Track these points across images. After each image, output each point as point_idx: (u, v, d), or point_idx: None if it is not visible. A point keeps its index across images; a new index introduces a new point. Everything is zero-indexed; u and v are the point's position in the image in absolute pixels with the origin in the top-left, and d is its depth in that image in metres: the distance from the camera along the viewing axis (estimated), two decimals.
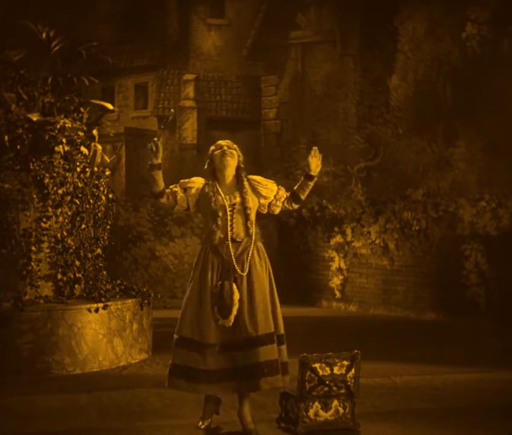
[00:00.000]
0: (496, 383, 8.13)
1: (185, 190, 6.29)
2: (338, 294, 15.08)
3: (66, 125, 9.11)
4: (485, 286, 12.69)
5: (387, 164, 18.73)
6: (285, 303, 15.94)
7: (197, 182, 6.31)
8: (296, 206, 6.41)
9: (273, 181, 6.41)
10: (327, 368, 6.11)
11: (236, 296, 5.99)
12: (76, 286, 9.18)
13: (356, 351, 6.21)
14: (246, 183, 6.29)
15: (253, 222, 6.19)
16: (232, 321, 5.96)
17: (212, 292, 6.02)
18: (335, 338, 11.14)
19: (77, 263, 9.20)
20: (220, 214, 6.11)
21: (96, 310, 8.71)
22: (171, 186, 6.32)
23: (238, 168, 6.34)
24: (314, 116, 20.34)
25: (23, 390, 7.72)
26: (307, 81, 20.86)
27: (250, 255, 6.10)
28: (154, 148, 6.21)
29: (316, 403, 6.13)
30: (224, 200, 6.16)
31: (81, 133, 9.32)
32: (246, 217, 6.15)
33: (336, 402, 6.17)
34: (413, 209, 13.98)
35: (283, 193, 6.35)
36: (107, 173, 9.75)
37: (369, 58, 19.34)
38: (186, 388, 6.08)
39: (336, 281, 15.07)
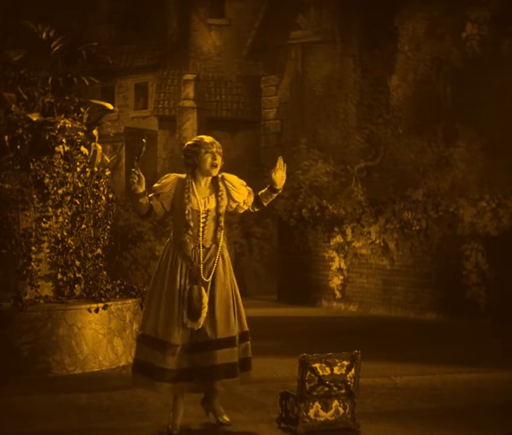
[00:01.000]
0: (496, 383, 8.13)
1: (158, 195, 6.26)
2: (338, 294, 15.09)
3: (66, 125, 9.10)
4: (485, 286, 12.69)
5: (388, 164, 18.75)
6: (285, 303, 16.01)
7: (169, 181, 6.27)
8: (257, 210, 6.53)
9: (244, 184, 6.40)
10: (327, 368, 6.11)
11: (205, 300, 6.09)
12: (76, 286, 9.18)
13: (356, 351, 6.21)
14: (222, 186, 6.28)
15: (223, 228, 6.27)
16: (201, 323, 6.07)
17: (180, 295, 6.11)
18: (335, 338, 11.14)
19: (77, 263, 9.20)
20: (192, 224, 6.15)
21: (97, 310, 8.72)
22: (149, 198, 6.29)
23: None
24: (314, 116, 20.36)
25: (23, 390, 7.72)
26: (307, 81, 20.88)
27: (216, 261, 6.19)
28: (136, 179, 6.16)
29: (316, 404, 6.13)
30: (199, 204, 6.17)
31: (81, 133, 9.32)
32: (217, 224, 6.22)
33: (336, 402, 6.17)
34: (413, 209, 13.99)
35: (251, 198, 6.41)
36: (107, 173, 9.74)
37: (369, 58, 19.36)
38: (147, 385, 6.21)
39: (336, 281, 15.08)
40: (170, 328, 6.08)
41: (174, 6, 22.62)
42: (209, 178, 6.26)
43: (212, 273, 6.17)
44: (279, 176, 6.30)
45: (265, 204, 6.47)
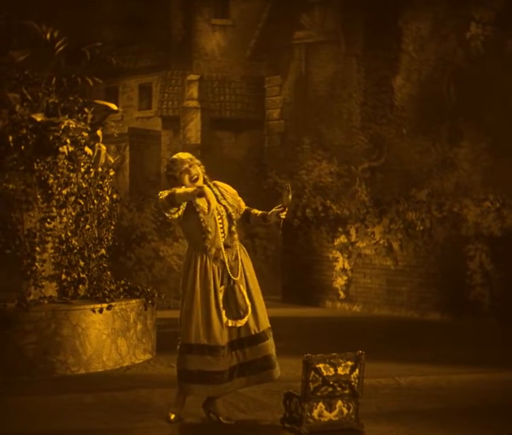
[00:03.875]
0: (501, 383, 8.12)
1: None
2: (342, 294, 15.07)
3: (70, 125, 9.11)
4: (489, 287, 12.67)
5: (392, 164, 18.74)
6: (289, 303, 15.98)
7: None
8: (242, 221, 6.65)
9: (237, 193, 6.53)
10: (331, 369, 6.10)
11: (247, 297, 6.26)
12: (80, 286, 9.18)
13: (360, 351, 6.20)
14: (216, 191, 6.39)
15: (236, 227, 6.41)
16: (246, 320, 6.21)
17: (216, 296, 6.20)
18: (339, 339, 11.13)
19: (81, 263, 9.20)
20: (210, 228, 6.26)
21: (100, 311, 8.72)
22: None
23: (204, 179, 6.39)
24: (318, 116, 20.35)
25: (27, 390, 7.72)
26: (310, 81, 20.87)
27: (240, 259, 6.34)
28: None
29: (320, 404, 6.13)
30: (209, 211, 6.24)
31: (85, 134, 9.32)
32: (231, 223, 6.36)
33: (340, 403, 6.17)
34: (417, 209, 13.97)
35: (243, 206, 6.53)
36: (111, 173, 9.74)
37: (373, 58, 19.35)
38: (202, 392, 6.30)
39: (340, 282, 15.06)
40: (215, 332, 6.18)
41: (178, 6, 22.61)
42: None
43: (240, 269, 6.32)
44: (287, 200, 6.36)
45: (251, 223, 6.67)
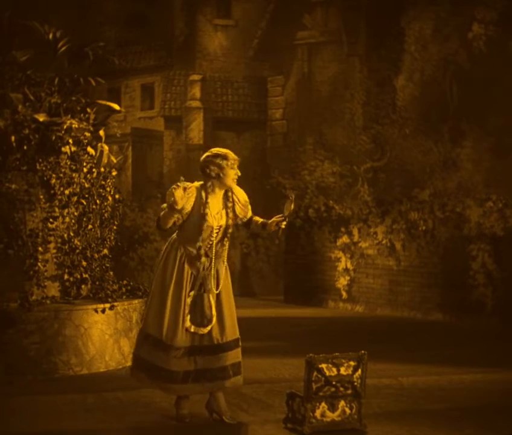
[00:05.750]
0: (503, 383, 8.12)
1: (181, 210, 6.32)
2: (344, 294, 15.07)
3: (73, 125, 9.11)
4: (492, 287, 12.67)
5: (394, 164, 18.72)
6: (291, 303, 15.99)
7: (191, 195, 6.31)
8: (243, 226, 6.74)
9: (248, 201, 6.57)
10: (334, 369, 6.10)
11: (214, 307, 6.33)
12: (83, 286, 9.18)
13: (363, 351, 6.20)
14: (231, 199, 6.44)
15: (229, 240, 6.50)
16: (209, 329, 6.29)
17: (184, 300, 6.30)
18: (341, 339, 11.14)
19: (84, 263, 9.20)
20: (205, 238, 6.33)
21: (103, 311, 8.72)
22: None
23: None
24: (321, 117, 20.34)
25: (29, 390, 7.72)
26: (313, 81, 20.86)
27: (217, 269, 6.40)
28: (181, 194, 6.26)
29: (323, 404, 6.13)
30: (214, 220, 6.32)
31: (87, 134, 9.32)
32: (225, 236, 6.43)
33: (342, 403, 6.17)
34: (419, 209, 13.97)
35: (249, 215, 6.59)
36: (114, 173, 9.75)
37: (375, 58, 19.34)
38: (149, 384, 6.47)
39: (342, 282, 15.06)
40: (175, 332, 6.27)
41: (180, 6, 22.61)
42: (224, 190, 6.39)
43: (217, 282, 6.38)
44: (288, 210, 6.38)
45: (250, 229, 6.79)
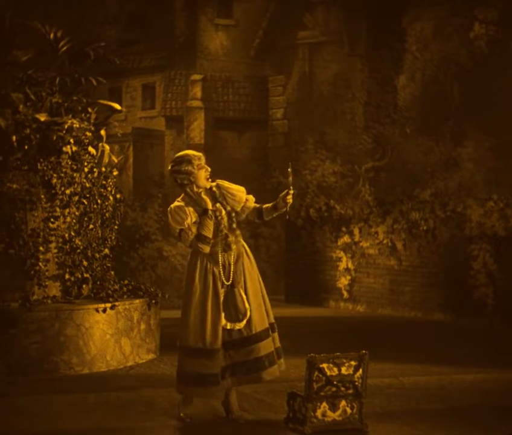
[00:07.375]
0: (504, 383, 8.11)
1: (192, 225, 6.36)
2: (345, 294, 15.07)
3: (74, 125, 9.11)
4: (493, 287, 12.66)
5: (395, 164, 18.72)
6: (292, 303, 15.96)
7: (187, 209, 6.34)
8: (258, 221, 6.71)
9: (242, 190, 6.54)
10: (335, 369, 6.10)
11: (245, 300, 6.32)
12: (84, 286, 9.18)
13: (364, 351, 6.20)
14: (219, 192, 6.42)
15: (237, 226, 6.47)
16: (245, 323, 6.28)
17: (215, 299, 6.29)
18: (342, 338, 11.13)
19: (85, 263, 9.20)
20: (212, 234, 6.32)
21: (104, 310, 8.72)
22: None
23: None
24: (322, 116, 20.33)
25: (31, 390, 7.72)
26: (314, 81, 20.85)
27: (243, 260, 6.42)
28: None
29: (324, 404, 6.13)
30: (213, 211, 6.34)
31: (88, 134, 9.33)
32: (232, 222, 6.41)
33: (343, 403, 6.17)
34: (420, 209, 13.96)
35: (250, 204, 6.56)
36: (115, 173, 9.75)
37: (376, 58, 19.33)
38: (197, 393, 6.40)
39: (343, 282, 15.06)
40: (216, 335, 6.27)
41: (181, 6, 22.60)
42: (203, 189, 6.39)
43: (240, 272, 6.37)
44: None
45: (265, 219, 6.65)
